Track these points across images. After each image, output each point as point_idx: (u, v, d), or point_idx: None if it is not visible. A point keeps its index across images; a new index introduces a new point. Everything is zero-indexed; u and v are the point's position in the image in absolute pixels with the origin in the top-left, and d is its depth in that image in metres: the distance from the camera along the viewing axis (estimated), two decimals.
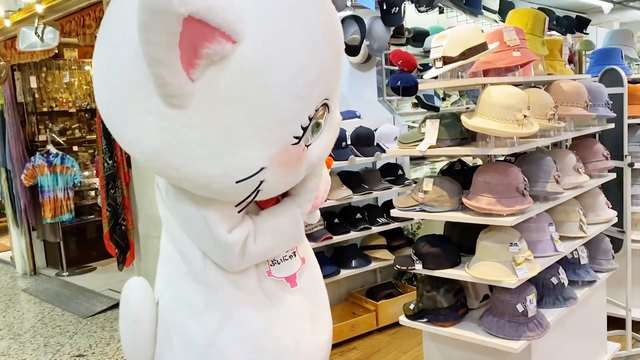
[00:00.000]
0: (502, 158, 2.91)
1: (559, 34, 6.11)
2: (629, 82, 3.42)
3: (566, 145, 3.05)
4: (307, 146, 1.36)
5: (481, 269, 2.27)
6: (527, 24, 2.63)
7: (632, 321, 3.25)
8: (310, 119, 1.29)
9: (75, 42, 4.80)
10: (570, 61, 6.16)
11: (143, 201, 4.12)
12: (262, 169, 1.27)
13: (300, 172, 1.40)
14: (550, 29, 5.92)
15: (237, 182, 1.27)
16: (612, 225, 3.06)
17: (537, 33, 2.64)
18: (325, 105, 1.35)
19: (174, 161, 1.24)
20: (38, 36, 4.29)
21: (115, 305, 4.71)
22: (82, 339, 4.08)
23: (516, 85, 2.45)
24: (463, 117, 2.25)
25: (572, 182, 2.64)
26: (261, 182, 1.29)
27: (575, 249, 2.74)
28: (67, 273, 5.80)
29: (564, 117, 2.65)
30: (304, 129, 1.28)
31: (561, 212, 2.69)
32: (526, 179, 2.28)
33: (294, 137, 1.27)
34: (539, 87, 2.66)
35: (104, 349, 3.87)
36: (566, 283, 2.59)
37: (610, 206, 3.00)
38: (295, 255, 1.61)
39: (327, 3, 1.34)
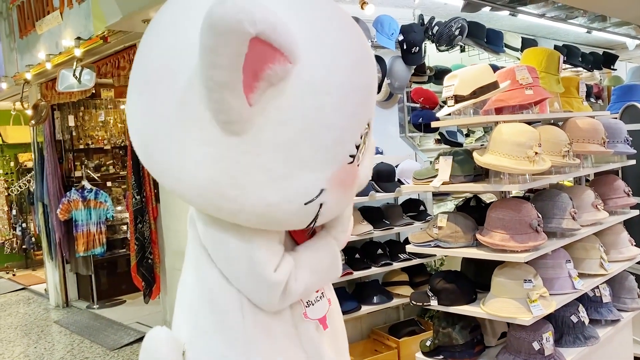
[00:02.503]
0: (522, 194, 2.92)
1: (585, 71, 6.10)
2: None
3: (587, 182, 3.04)
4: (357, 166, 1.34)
5: (495, 306, 2.26)
6: (542, 62, 2.67)
7: None
8: (361, 137, 1.29)
9: (110, 82, 5.05)
10: (598, 97, 6.12)
11: (169, 235, 4.23)
12: (321, 191, 1.24)
13: (353, 193, 1.39)
14: (576, 65, 5.93)
15: (305, 204, 1.24)
16: (639, 263, 3.00)
17: (551, 71, 2.68)
18: (368, 126, 1.35)
19: (231, 192, 1.21)
20: (76, 78, 4.53)
21: (142, 338, 4.78)
22: None
23: (530, 122, 2.48)
24: (475, 154, 2.29)
25: (591, 219, 2.62)
26: (321, 205, 1.26)
27: (597, 287, 2.70)
28: (98, 305, 5.93)
29: (581, 154, 2.66)
30: (357, 147, 1.28)
31: (580, 249, 2.66)
32: (540, 216, 2.28)
33: (350, 155, 1.27)
34: (558, 125, 2.68)
35: None
36: (587, 321, 2.54)
37: (634, 244, 2.95)
38: (323, 296, 1.56)
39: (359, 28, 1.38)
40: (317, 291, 1.53)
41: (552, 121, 2.73)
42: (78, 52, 4.30)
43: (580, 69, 6.11)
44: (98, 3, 3.92)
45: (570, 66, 5.97)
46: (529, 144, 2.17)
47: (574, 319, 2.51)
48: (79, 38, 4.35)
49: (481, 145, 4.25)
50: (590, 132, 2.62)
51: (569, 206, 2.43)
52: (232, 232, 1.33)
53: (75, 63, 4.51)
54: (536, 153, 2.16)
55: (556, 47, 5.65)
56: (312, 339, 1.47)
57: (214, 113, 1.14)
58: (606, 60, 6.24)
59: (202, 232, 1.40)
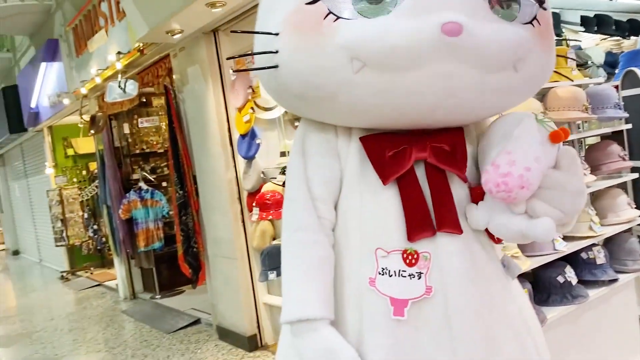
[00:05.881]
0: None
1: (622, 39, 5.94)
2: None
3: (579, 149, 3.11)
4: (338, 18, 1.06)
5: None
6: None
7: None
8: None
9: (152, 90, 5.52)
10: None
11: (209, 226, 4.62)
12: (276, 34, 1.11)
13: (326, 46, 1.06)
14: (610, 34, 5.80)
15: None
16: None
17: None
18: None
19: None
20: (121, 88, 5.02)
21: (194, 322, 5.24)
22: (162, 351, 4.61)
23: None
24: None
25: None
26: (275, 53, 1.12)
27: (590, 249, 2.79)
28: (160, 296, 6.46)
29: (565, 122, 2.75)
30: None
31: None
32: None
33: None
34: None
35: (179, 359, 4.36)
36: (574, 282, 2.64)
37: (635, 206, 3.00)
38: (420, 276, 1.14)
39: None
40: (411, 264, 1.14)
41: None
42: (119, 65, 4.78)
43: (618, 37, 5.97)
44: (130, 19, 4.36)
45: (606, 36, 5.85)
46: None
47: (560, 279, 2.62)
48: (119, 52, 4.82)
49: None
50: (571, 100, 2.71)
51: None
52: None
53: (119, 75, 5.00)
54: None
55: (584, 18, 5.58)
56: (376, 321, 1.14)
57: None
58: None
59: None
